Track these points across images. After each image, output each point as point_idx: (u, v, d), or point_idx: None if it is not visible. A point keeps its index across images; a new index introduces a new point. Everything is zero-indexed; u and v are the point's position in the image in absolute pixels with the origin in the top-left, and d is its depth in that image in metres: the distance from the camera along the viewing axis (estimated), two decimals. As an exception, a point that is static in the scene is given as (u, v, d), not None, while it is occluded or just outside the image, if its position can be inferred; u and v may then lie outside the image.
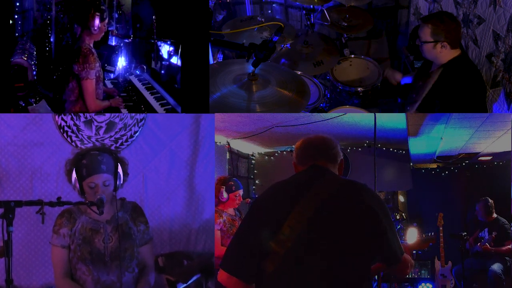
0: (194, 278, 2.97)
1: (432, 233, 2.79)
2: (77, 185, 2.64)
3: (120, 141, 3.37)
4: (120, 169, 2.71)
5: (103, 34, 3.34)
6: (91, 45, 3.28)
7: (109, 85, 4.24)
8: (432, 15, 3.36)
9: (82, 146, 3.28)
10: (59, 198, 2.38)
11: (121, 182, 2.73)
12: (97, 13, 3.20)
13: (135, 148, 3.42)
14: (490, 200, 4.85)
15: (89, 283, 2.64)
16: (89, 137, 3.31)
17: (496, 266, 4.44)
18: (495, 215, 4.82)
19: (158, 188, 3.49)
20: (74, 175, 2.64)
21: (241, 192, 3.77)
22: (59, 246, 2.66)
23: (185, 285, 2.92)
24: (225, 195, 3.69)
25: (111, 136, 3.35)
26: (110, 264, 2.65)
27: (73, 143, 3.29)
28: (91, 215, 2.69)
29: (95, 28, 3.21)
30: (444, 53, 3.19)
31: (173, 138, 3.48)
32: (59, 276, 2.67)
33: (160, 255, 3.34)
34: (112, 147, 3.32)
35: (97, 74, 3.25)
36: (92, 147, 3.01)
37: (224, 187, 3.71)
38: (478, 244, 4.69)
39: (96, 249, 2.65)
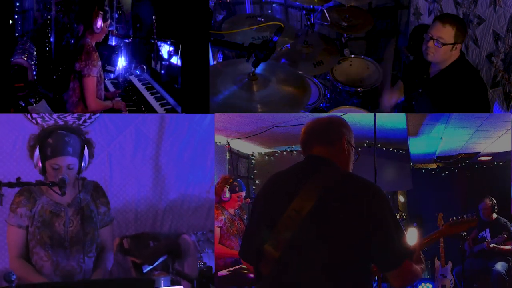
0: (161, 259, 2.92)
1: (474, 214, 2.57)
2: (39, 163, 2.54)
3: (83, 118, 3.25)
4: (86, 152, 2.61)
5: (104, 35, 3.33)
6: (93, 44, 3.27)
7: (109, 85, 4.24)
8: (451, 16, 3.26)
9: (44, 124, 3.14)
10: (18, 179, 2.29)
11: (86, 164, 2.64)
12: (101, 12, 3.19)
13: (99, 126, 3.32)
14: (494, 200, 4.84)
15: (48, 268, 2.55)
16: (51, 114, 3.21)
17: (500, 266, 4.43)
18: (495, 215, 4.82)
19: (123, 167, 3.40)
20: (37, 152, 2.53)
21: (243, 194, 3.76)
22: (15, 225, 2.56)
23: (151, 267, 2.87)
24: (227, 194, 3.68)
25: (73, 113, 3.25)
26: (70, 249, 2.57)
27: (33, 120, 3.16)
28: (53, 197, 2.58)
29: (98, 27, 3.20)
30: (453, 55, 3.18)
31: (138, 114, 3.42)
32: (14, 257, 2.56)
33: (125, 237, 3.22)
34: (75, 124, 3.20)
35: (99, 74, 3.24)
36: (60, 126, 2.85)
37: (228, 186, 3.69)
38: (485, 243, 4.67)
39: (56, 233, 2.56)
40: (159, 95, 3.89)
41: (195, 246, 3.22)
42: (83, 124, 3.24)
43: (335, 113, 3.88)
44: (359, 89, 4.04)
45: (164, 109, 3.64)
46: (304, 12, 4.45)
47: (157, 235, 3.35)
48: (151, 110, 3.69)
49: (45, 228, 2.56)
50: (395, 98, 3.77)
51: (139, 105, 3.84)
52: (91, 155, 2.69)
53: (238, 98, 2.55)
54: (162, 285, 2.60)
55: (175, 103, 3.63)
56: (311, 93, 3.52)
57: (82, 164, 2.61)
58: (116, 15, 4.54)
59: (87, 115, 3.26)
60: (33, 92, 3.71)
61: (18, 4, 3.87)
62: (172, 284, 2.68)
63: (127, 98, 3.94)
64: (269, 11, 5.54)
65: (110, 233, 2.80)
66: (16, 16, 3.85)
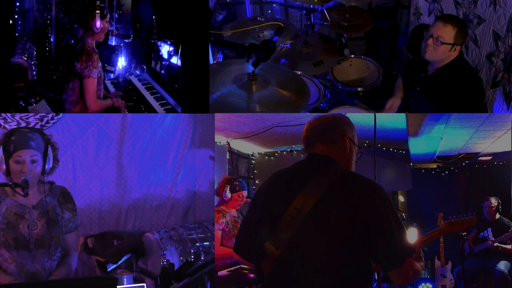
0: (124, 258, 2.99)
1: (473, 214, 2.61)
2: (3, 165, 2.55)
3: (45, 119, 3.30)
4: (50, 152, 2.61)
5: (105, 32, 3.32)
6: (94, 45, 3.27)
7: (109, 85, 4.24)
8: (453, 17, 3.29)
9: (6, 125, 3.17)
10: None
11: (50, 166, 2.63)
12: (97, 12, 3.19)
13: (62, 126, 3.39)
14: (499, 200, 4.83)
15: (12, 270, 2.55)
16: (13, 115, 3.24)
17: (503, 266, 4.41)
18: (498, 215, 4.81)
19: (86, 168, 3.49)
20: (0, 153, 2.55)
21: (245, 193, 3.76)
22: None
23: (115, 265, 2.93)
24: (228, 194, 3.69)
25: (36, 114, 3.29)
26: (35, 252, 2.57)
27: None
28: (17, 199, 2.59)
29: (97, 27, 3.19)
30: (451, 56, 3.18)
31: (100, 115, 3.46)
32: None
33: (90, 236, 3.33)
34: (38, 125, 3.24)
35: (99, 75, 3.24)
36: (23, 126, 2.87)
37: (229, 186, 3.70)
38: (489, 241, 4.66)
39: (21, 235, 2.56)
40: (159, 95, 3.89)
41: (158, 244, 3.31)
42: (46, 125, 3.30)
43: (335, 112, 3.88)
44: (359, 89, 4.04)
45: (164, 109, 3.64)
46: (304, 12, 4.45)
47: (121, 234, 3.50)
48: (151, 110, 3.69)
49: (9, 230, 2.55)
50: (398, 102, 3.75)
51: (139, 105, 3.83)
52: (55, 159, 2.68)
53: (237, 98, 2.55)
54: (125, 283, 2.62)
55: (175, 103, 3.63)
56: (311, 93, 3.52)
57: (46, 166, 2.60)
58: (116, 15, 4.54)
59: (50, 116, 3.32)
60: (33, 92, 3.71)
61: (18, 4, 3.88)
62: (135, 282, 2.70)
63: (127, 98, 3.94)
64: (269, 11, 5.54)
65: (75, 239, 2.78)
66: (16, 16, 3.86)
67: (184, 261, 3.30)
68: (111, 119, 3.53)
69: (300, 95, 2.68)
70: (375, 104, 4.19)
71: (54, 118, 3.32)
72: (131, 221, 3.65)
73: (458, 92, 3.16)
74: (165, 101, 3.76)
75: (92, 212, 3.53)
